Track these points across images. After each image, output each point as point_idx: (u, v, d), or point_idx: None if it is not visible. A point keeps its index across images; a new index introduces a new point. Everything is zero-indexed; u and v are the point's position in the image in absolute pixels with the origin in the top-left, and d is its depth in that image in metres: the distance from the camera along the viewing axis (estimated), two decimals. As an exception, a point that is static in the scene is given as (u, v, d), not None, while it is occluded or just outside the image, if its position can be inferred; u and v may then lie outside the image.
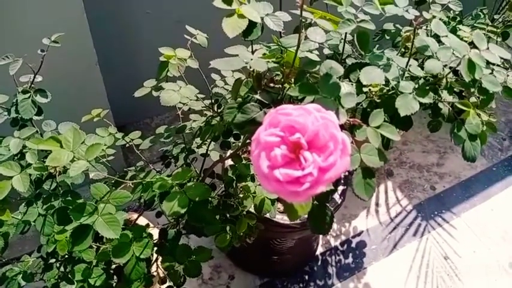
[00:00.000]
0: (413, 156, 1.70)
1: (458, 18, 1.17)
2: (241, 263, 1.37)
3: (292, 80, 0.54)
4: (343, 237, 1.47)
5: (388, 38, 1.08)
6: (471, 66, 0.49)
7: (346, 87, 0.47)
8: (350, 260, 1.41)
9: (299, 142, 0.40)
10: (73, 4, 1.06)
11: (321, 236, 1.44)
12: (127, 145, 0.98)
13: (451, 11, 1.04)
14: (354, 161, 0.48)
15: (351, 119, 0.48)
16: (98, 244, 0.83)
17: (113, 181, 0.79)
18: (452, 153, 1.65)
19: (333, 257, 1.42)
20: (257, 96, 0.52)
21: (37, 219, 0.76)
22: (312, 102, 0.48)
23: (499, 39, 1.08)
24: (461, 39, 1.07)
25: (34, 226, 0.77)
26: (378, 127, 0.47)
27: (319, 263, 1.40)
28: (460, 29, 1.08)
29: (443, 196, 1.59)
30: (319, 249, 1.43)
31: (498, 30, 1.05)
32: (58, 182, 0.77)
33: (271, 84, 0.55)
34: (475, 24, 1.09)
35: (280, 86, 0.55)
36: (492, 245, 1.46)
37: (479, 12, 1.19)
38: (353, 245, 1.45)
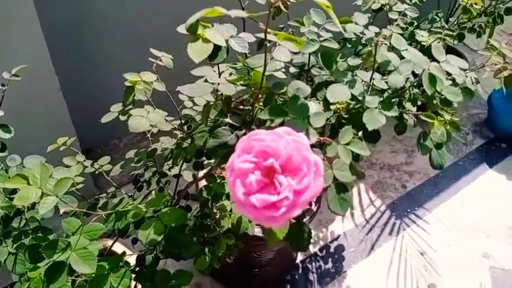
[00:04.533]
0: (382, 157, 1.74)
1: (416, 23, 1.21)
2: (222, 278, 1.35)
3: (261, 101, 0.55)
4: (322, 243, 1.48)
5: (350, 46, 1.10)
6: (432, 79, 0.51)
7: (314, 107, 0.48)
8: (330, 265, 1.43)
9: (273, 167, 0.40)
10: (32, 32, 1.03)
11: (299, 244, 1.45)
12: (96, 172, 0.96)
13: (408, 17, 1.08)
14: (327, 178, 0.49)
15: (321, 138, 0.48)
16: (73, 277, 0.81)
17: (83, 213, 0.77)
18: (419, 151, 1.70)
19: (313, 264, 1.43)
20: (227, 120, 0.52)
21: (7, 258, 0.73)
22: (282, 123, 0.48)
23: (456, 41, 1.13)
24: (420, 43, 1.11)
25: (5, 265, 0.74)
26: (347, 144, 0.48)
27: (300, 271, 1.41)
28: (417, 33, 1.12)
29: (415, 193, 1.63)
30: (299, 257, 1.44)
31: (454, 33, 1.10)
32: (27, 219, 0.75)
33: (241, 107, 0.55)
34: (431, 29, 1.13)
35: (250, 107, 0.55)
36: (464, 237, 1.51)
37: (435, 16, 1.24)
38: (331, 249, 1.47)
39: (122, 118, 0.82)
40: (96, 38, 1.39)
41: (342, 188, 0.50)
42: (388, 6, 1.04)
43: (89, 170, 0.94)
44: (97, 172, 0.96)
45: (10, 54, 1.03)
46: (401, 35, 1.19)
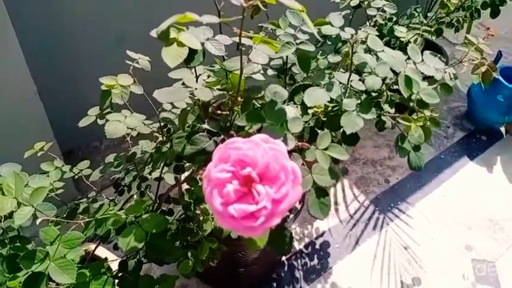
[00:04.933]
0: (365, 152, 1.75)
1: (395, 19, 1.21)
2: (208, 279, 1.35)
3: (239, 105, 0.54)
4: (307, 240, 1.49)
5: (330, 43, 1.10)
6: (408, 81, 0.51)
7: (291, 111, 0.48)
8: (315, 261, 1.43)
9: (250, 176, 0.40)
10: (4, 35, 1.00)
11: (285, 241, 1.45)
12: (76, 177, 0.94)
13: (387, 12, 1.09)
14: (307, 183, 0.49)
15: (300, 143, 0.48)
16: (54, 286, 0.79)
17: (64, 219, 0.76)
18: (402, 146, 1.71)
19: (299, 261, 1.43)
20: (205, 126, 0.52)
21: (-15, 268, 0.72)
22: (261, 128, 0.48)
23: (434, 37, 1.14)
24: (399, 39, 1.11)
25: (-18, 277, 0.73)
26: (326, 149, 0.48)
27: (286, 268, 1.41)
28: (396, 29, 1.13)
29: (397, 188, 1.65)
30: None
31: (432, 29, 1.10)
32: (4, 228, 0.73)
33: (218, 112, 0.54)
34: (410, 25, 1.13)
35: (228, 112, 0.54)
36: (447, 230, 1.53)
37: (414, 11, 1.25)
38: (317, 246, 1.47)
39: (100, 122, 0.81)
40: (74, 38, 1.36)
41: (321, 192, 0.49)
42: (366, 3, 1.04)
43: (68, 175, 0.92)
44: (76, 177, 0.95)
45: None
46: (380, 31, 1.19)
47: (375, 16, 1.06)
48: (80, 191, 1.48)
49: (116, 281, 0.80)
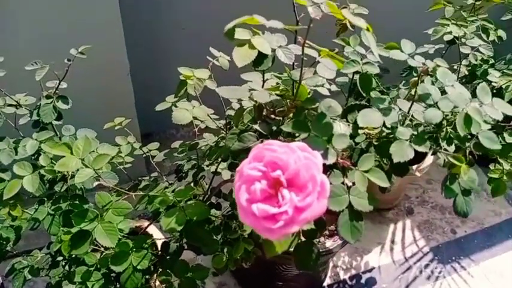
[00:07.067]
0: (436, 197, 1.65)
1: (492, 61, 1.14)
2: (246, 283, 1.36)
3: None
4: (353, 272, 1.44)
5: (415, 75, 1.07)
6: (467, 120, 0.48)
7: (342, 128, 0.47)
8: (358, 296, 1.38)
9: (279, 179, 0.41)
10: (111, 15, 1.11)
11: (330, 267, 1.41)
12: (144, 155, 1.01)
13: (483, 54, 1.03)
14: (342, 202, 0.48)
15: (341, 161, 0.47)
16: (102, 249, 0.86)
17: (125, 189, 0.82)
18: (478, 198, 1.59)
19: (341, 291, 1.39)
20: (256, 126, 0.53)
21: (45, 218, 0.79)
22: (306, 139, 0.48)
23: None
24: (491, 83, 1.05)
25: (42, 224, 0.81)
26: (366, 171, 0.47)
27: (326, 295, 1.37)
28: (490, 73, 1.06)
29: (464, 241, 1.53)
30: (327, 281, 1.40)
31: (530, 79, 1.02)
32: (69, 185, 0.80)
33: (272, 116, 0.56)
34: (505, 70, 1.06)
35: (281, 118, 0.55)
36: (511, 299, 1.39)
37: (512, 57, 1.16)
38: (362, 280, 1.41)
39: (174, 109, 0.86)
40: (173, 33, 1.46)
41: (356, 215, 0.48)
42: (462, 40, 0.99)
43: (138, 152, 0.99)
44: (144, 156, 1.02)
45: (88, 35, 1.11)
46: (473, 72, 1.13)
47: (468, 55, 1.01)
48: (149, 171, 1.57)
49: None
